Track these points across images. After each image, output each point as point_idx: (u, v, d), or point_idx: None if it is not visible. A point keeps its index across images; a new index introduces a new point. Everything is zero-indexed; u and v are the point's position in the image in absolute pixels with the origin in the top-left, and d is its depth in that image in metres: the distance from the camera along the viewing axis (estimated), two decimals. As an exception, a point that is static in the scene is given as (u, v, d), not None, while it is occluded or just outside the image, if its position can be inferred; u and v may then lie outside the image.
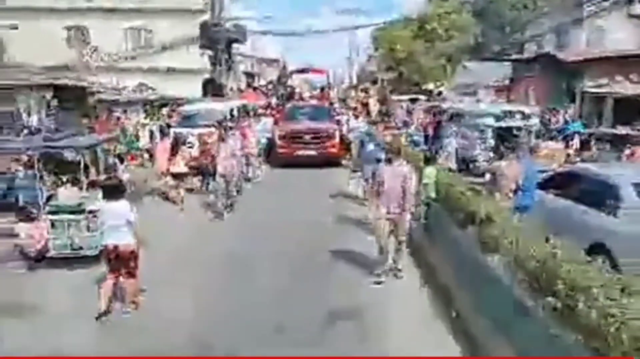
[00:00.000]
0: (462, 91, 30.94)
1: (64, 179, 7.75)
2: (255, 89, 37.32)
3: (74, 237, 6.82)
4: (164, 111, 17.71)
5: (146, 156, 13.68)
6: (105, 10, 24.04)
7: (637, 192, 5.68)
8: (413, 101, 26.98)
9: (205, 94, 25.27)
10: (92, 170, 8.03)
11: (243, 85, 38.50)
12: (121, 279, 5.72)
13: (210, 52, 27.04)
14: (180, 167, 11.03)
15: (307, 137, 14.79)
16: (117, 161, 9.85)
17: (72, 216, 6.83)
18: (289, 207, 10.17)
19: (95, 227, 6.52)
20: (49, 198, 7.21)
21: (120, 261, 5.62)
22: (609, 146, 12.15)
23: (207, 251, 7.59)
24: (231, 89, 30.91)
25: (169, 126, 14.23)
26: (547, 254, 4.30)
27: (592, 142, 12.34)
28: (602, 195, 6.13)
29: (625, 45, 20.92)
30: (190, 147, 11.99)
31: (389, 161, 6.55)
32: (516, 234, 4.97)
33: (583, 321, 3.52)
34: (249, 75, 45.75)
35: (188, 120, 14.60)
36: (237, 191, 10.43)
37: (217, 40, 27.10)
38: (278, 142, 15.05)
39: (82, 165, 7.41)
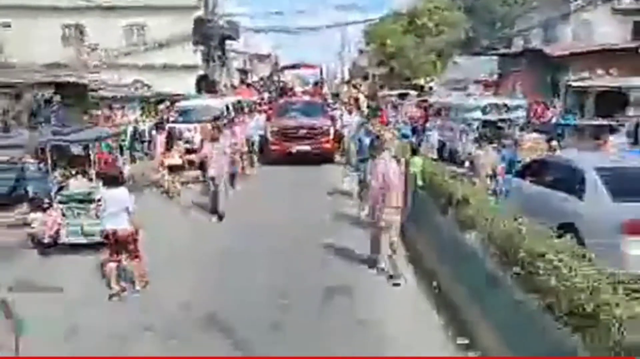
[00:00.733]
0: (452, 86, 31.50)
1: (72, 172, 8.24)
2: (248, 85, 37.73)
3: (85, 224, 7.32)
4: (161, 107, 18.14)
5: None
6: (101, 8, 24.33)
7: (599, 176, 6.26)
8: (403, 95, 27.56)
9: (199, 90, 25.66)
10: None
11: (236, 82, 38.86)
12: (125, 261, 6.25)
13: (203, 49, 27.42)
14: (175, 159, 11.51)
15: (300, 133, 14.66)
16: (117, 154, 10.30)
17: (82, 205, 7.34)
18: (283, 205, 10.05)
19: (105, 217, 7.00)
20: (60, 189, 7.68)
21: (120, 245, 6.13)
22: (588, 137, 12.74)
23: (199, 248, 7.63)
24: (225, 86, 31.30)
25: (167, 121, 14.69)
26: (513, 230, 4.88)
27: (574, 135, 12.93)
28: (569, 180, 6.73)
29: (610, 40, 21.55)
30: (187, 142, 12.50)
31: (373, 157, 6.50)
32: (489, 214, 5.55)
33: (539, 283, 4.11)
34: (242, 71, 46.10)
35: (184, 116, 15.11)
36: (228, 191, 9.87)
37: (211, 36, 27.50)
38: (270, 138, 14.92)
39: (92, 157, 7.87)
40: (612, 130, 10.07)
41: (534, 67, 22.46)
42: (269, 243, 7.69)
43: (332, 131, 14.96)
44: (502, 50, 29.05)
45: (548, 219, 6.31)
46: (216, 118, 12.67)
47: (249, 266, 6.91)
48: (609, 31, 23.22)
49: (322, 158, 14.45)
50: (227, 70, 35.11)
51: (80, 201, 7.36)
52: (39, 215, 7.41)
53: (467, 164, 7.48)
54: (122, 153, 10.95)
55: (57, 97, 11.55)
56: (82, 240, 7.32)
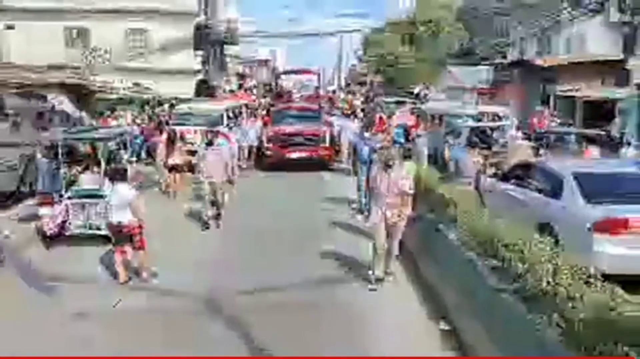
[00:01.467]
0: (447, 94, 32.13)
1: (79, 169, 8.66)
2: (246, 90, 38.29)
3: (92, 218, 7.73)
4: (160, 109, 18.57)
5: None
6: (103, 12, 24.78)
7: (575, 181, 6.73)
8: (399, 103, 28.11)
9: (198, 94, 26.12)
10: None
11: (234, 86, 39.41)
12: (130, 252, 6.67)
13: (203, 54, 27.92)
14: (176, 159, 11.90)
15: (296, 139, 14.48)
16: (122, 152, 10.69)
17: (90, 200, 7.76)
18: (281, 210, 9.89)
19: (109, 210, 7.42)
20: (70, 184, 8.09)
21: (125, 236, 6.55)
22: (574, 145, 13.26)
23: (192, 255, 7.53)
24: (223, 90, 31.84)
25: (167, 124, 15.11)
26: (492, 226, 5.35)
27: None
28: (549, 183, 7.20)
29: (602, 51, 22.16)
30: (190, 144, 12.90)
31: (386, 165, 6.35)
32: (472, 212, 6.03)
33: (510, 270, 4.58)
34: (240, 76, 46.66)
35: (185, 118, 15.52)
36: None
37: (210, 42, 28.06)
38: (266, 144, 14.74)
39: (102, 155, 8.30)
40: (590, 140, 10.59)
41: (525, 78, 23.08)
42: (262, 250, 7.60)
43: (328, 138, 14.76)
44: (496, 61, 29.63)
45: (527, 217, 6.85)
46: (213, 124, 12.93)
47: (240, 272, 6.84)
48: (600, 43, 23.84)
49: (319, 164, 14.25)
50: (226, 74, 35.65)
51: (89, 196, 7.77)
52: (47, 209, 7.81)
53: (452, 166, 7.93)
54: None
55: (65, 99, 11.98)
56: (88, 233, 7.73)
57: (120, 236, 6.58)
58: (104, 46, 24.45)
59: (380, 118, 18.38)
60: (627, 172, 7.37)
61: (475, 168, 7.59)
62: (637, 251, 5.86)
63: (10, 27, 25.29)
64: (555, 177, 7.21)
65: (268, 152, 14.70)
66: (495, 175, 8.68)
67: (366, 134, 10.78)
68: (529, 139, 13.64)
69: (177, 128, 14.15)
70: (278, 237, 8.19)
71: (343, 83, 58.20)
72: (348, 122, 15.63)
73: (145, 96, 20.27)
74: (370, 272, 6.41)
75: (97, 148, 9.07)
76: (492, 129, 13.15)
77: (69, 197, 7.82)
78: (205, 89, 27.01)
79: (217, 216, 9.01)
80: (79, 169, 8.55)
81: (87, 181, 8.12)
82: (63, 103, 12.94)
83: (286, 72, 27.14)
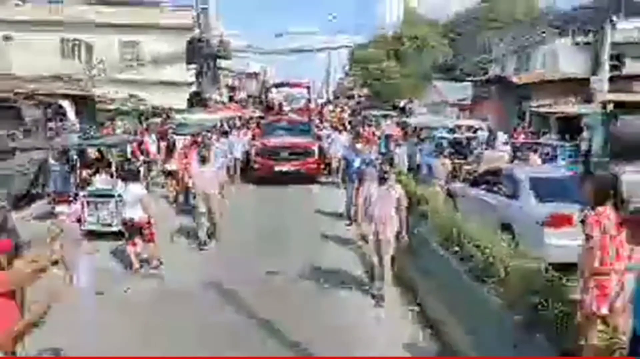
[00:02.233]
0: (430, 108, 33.45)
1: (89, 172, 9.53)
2: (237, 102, 39.26)
3: (104, 216, 8.59)
4: (158, 120, 19.43)
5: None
6: (100, 25, 25.68)
7: (531, 185, 7.78)
8: (385, 116, 29.30)
9: (191, 105, 27.03)
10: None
11: (225, 98, 40.35)
12: (141, 244, 7.52)
13: (196, 67, 28.88)
14: (173, 166, 12.74)
15: (285, 153, 14.34)
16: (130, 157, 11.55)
17: (102, 199, 8.61)
18: (269, 226, 9.76)
19: (122, 207, 8.28)
20: (84, 185, 8.95)
21: (137, 231, 7.42)
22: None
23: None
24: (215, 102, 32.77)
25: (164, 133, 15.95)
26: (453, 221, 6.37)
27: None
28: (510, 187, 8.24)
29: (572, 69, 23.56)
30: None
31: (381, 181, 6.43)
32: (439, 210, 7.05)
33: (467, 256, 5.57)
34: (231, 88, 47.63)
35: (181, 128, 16.42)
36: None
37: (204, 55, 29.04)
38: (254, 157, 14.61)
39: (109, 159, 9.17)
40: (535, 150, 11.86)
41: (503, 93, 24.43)
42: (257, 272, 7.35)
43: (317, 151, 14.71)
44: (476, 77, 30.99)
45: (492, 217, 7.88)
46: (204, 137, 13.03)
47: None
48: (571, 62, 25.29)
49: (306, 178, 14.13)
50: (218, 87, 36.60)
51: (102, 196, 8.64)
52: (64, 208, 8.63)
53: (424, 169, 9.00)
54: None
55: (70, 108, 12.82)
56: (101, 229, 8.57)
57: (132, 230, 7.46)
58: (100, 58, 25.27)
59: (368, 131, 19.28)
60: (568, 176, 8.47)
61: (444, 171, 8.61)
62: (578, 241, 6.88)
63: (8, 38, 26.04)
64: (514, 181, 8.26)
65: (256, 165, 14.57)
66: (465, 181, 9.72)
67: (358, 146, 10.91)
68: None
69: (176, 137, 15.04)
70: (265, 257, 7.96)
71: (332, 96, 59.42)
72: (337, 135, 15.81)
73: (141, 107, 21.10)
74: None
75: (104, 153, 9.93)
76: (468, 140, 14.27)
77: (84, 196, 8.66)
78: (198, 101, 27.93)
79: (211, 234, 8.74)
80: (90, 172, 9.40)
81: (100, 182, 9.00)
82: (67, 113, 13.76)
83: (277, 85, 27.21)
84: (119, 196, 8.21)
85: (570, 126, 18.88)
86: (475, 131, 15.63)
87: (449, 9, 45.64)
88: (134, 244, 7.46)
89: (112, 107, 18.11)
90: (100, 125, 15.22)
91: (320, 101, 41.78)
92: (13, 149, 9.58)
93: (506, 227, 7.70)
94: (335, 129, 17.04)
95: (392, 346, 5.26)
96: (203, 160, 8.85)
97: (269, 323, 5.70)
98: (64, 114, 13.39)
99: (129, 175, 7.75)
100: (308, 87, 23.32)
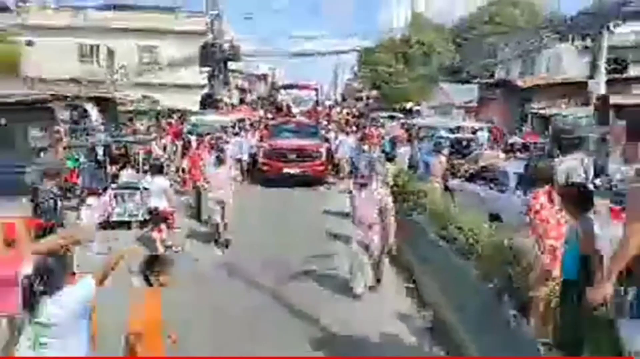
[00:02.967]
0: (437, 110, 34.15)
1: (116, 167, 10.45)
2: (248, 104, 40.25)
3: (130, 207, 9.49)
4: (173, 121, 20.42)
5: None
6: (119, 30, 26.80)
7: (516, 178, 8.55)
8: (392, 117, 30.08)
9: (203, 107, 28.05)
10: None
11: (235, 100, 41.36)
12: (165, 230, 8.39)
13: (209, 70, 29.93)
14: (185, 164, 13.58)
15: (293, 154, 14.36)
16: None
17: (129, 191, 9.51)
18: (278, 228, 9.86)
19: (147, 199, 9.15)
20: (113, 178, 9.88)
21: (161, 219, 8.29)
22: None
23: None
24: (225, 104, 33.77)
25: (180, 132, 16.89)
26: (445, 211, 7.17)
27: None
28: (499, 181, 9.03)
29: (574, 73, 24.16)
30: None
31: (362, 185, 6.41)
32: (437, 203, 7.85)
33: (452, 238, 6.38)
34: (241, 90, 48.66)
35: (196, 128, 17.34)
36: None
37: (216, 59, 30.06)
38: (261, 159, 14.64)
39: (132, 155, 10.08)
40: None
41: (507, 96, 25.13)
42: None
43: (324, 153, 14.73)
44: (482, 80, 31.64)
45: (484, 208, 8.67)
46: (218, 137, 13.31)
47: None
48: (573, 65, 25.87)
49: (313, 181, 14.11)
50: (229, 89, 37.62)
51: (128, 189, 9.54)
52: (93, 200, 9.53)
53: (421, 167, 9.80)
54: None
55: (95, 110, 13.78)
56: (128, 219, 9.48)
57: (158, 218, 8.33)
58: (121, 64, 26.38)
59: (373, 132, 19.89)
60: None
61: (440, 169, 9.43)
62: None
63: (30, 44, 27.17)
64: (502, 175, 9.05)
65: (264, 167, 14.57)
66: (461, 177, 10.52)
67: (364, 147, 11.08)
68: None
69: (191, 137, 15.95)
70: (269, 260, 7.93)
71: (340, 98, 60.21)
72: (345, 138, 15.97)
73: (158, 108, 22.11)
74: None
75: (128, 150, 10.85)
76: (469, 141, 15.04)
77: (112, 189, 9.57)
78: (210, 103, 28.94)
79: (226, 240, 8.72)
80: (117, 167, 10.33)
81: (126, 176, 9.92)
82: (91, 114, 14.73)
83: (285, 87, 27.51)
84: (145, 188, 9.09)
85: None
86: (474, 132, 16.37)
87: (454, 13, 46.29)
88: (160, 231, 8.33)
89: (131, 108, 19.09)
90: (123, 125, 16.20)
91: (328, 103, 42.51)
92: (49, 145, 10.50)
93: (496, 217, 8.49)
94: (342, 130, 17.45)
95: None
96: (219, 162, 8.79)
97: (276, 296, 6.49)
98: (87, 116, 14.32)
99: (154, 169, 8.65)
100: (316, 89, 23.47)
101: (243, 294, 6.71)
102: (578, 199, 3.78)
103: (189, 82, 27.91)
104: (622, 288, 2.73)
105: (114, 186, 9.73)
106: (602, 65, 16.31)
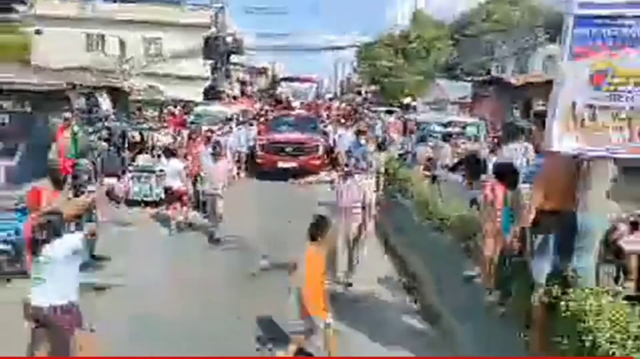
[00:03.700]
0: (433, 106, 35.02)
1: (132, 152, 11.44)
2: (249, 96, 41.13)
3: (146, 188, 10.49)
4: (177, 111, 21.28)
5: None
6: (125, 22, 27.62)
7: (492, 166, 9.54)
8: (389, 112, 31.01)
9: (206, 98, 28.93)
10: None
11: (237, 92, 42.23)
12: (178, 208, 9.36)
13: (212, 62, 30.81)
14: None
15: (288, 148, 14.31)
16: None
17: (145, 174, 10.51)
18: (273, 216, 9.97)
19: (162, 180, 10.06)
20: (131, 161, 10.87)
21: (175, 197, 9.27)
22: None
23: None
24: (227, 96, 34.66)
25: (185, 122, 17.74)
26: (428, 196, 8.19)
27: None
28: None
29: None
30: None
31: (347, 174, 6.49)
32: (421, 189, 8.87)
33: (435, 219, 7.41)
34: (242, 83, 49.45)
35: (200, 118, 18.18)
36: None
37: (219, 52, 30.95)
38: (258, 152, 14.60)
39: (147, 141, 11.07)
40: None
41: (500, 94, 26.07)
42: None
43: (321, 147, 14.69)
44: (477, 77, 32.56)
45: (467, 195, 9.67)
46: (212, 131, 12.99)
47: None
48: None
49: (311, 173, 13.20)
50: (230, 81, 38.51)
51: (144, 171, 10.55)
52: (113, 180, 10.54)
53: (409, 157, 10.83)
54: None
55: (107, 99, 14.64)
56: (144, 198, 10.48)
57: (172, 197, 9.33)
58: (131, 55, 27.24)
59: (369, 125, 20.70)
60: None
61: (425, 158, 10.48)
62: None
63: (38, 32, 27.97)
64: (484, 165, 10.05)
65: (260, 160, 14.55)
66: (446, 166, 11.55)
67: (362, 141, 11.30)
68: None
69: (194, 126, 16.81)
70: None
71: (339, 92, 60.96)
72: (344, 132, 15.76)
73: (162, 98, 23.01)
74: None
75: (144, 136, 11.84)
76: (457, 134, 16.05)
77: (130, 172, 10.57)
78: (212, 94, 29.82)
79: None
80: (134, 152, 11.32)
81: (143, 160, 10.94)
82: (102, 103, 15.63)
83: (286, 79, 28.12)
84: (161, 171, 10.07)
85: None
86: (464, 127, 17.37)
87: (455, 9, 47.10)
88: (175, 209, 9.32)
89: (139, 98, 19.98)
90: (132, 114, 17.11)
91: (327, 96, 43.28)
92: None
93: (473, 202, 9.49)
94: (341, 124, 17.78)
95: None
96: (216, 155, 8.77)
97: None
98: (99, 105, 15.20)
99: (168, 153, 9.64)
100: (317, 83, 24.49)
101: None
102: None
103: (192, 74, 28.75)
104: (532, 236, 3.75)
105: (131, 168, 10.71)
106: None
